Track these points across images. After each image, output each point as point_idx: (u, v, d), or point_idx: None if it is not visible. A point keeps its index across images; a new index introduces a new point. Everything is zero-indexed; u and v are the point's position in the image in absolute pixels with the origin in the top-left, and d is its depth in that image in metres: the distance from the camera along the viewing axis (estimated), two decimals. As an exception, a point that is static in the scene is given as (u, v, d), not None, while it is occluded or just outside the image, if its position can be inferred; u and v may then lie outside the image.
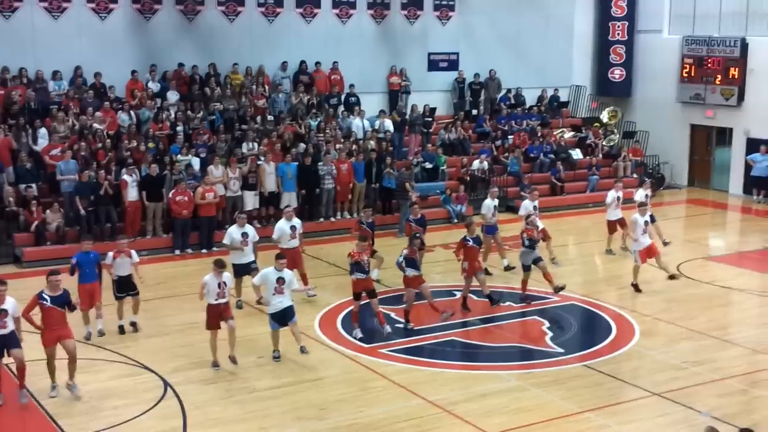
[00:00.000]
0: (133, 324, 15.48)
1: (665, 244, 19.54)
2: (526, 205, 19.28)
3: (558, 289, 17.21)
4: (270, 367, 13.85)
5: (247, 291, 16.38)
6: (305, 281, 16.95)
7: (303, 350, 13.88)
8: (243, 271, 16.49)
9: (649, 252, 17.93)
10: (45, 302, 12.38)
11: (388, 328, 15.25)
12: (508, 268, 19.17)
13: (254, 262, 16.61)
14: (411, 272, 15.54)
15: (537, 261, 17.12)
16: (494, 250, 19.29)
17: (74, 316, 13.46)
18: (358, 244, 15.39)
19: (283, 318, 14.00)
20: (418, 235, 16.76)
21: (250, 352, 14.31)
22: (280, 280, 13.88)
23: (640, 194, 20.90)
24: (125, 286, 15.25)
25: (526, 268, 17.08)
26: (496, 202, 19.49)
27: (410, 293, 15.60)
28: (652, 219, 18.64)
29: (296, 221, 17.29)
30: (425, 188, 24.91)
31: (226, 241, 16.73)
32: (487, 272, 17.96)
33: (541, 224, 18.24)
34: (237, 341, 13.95)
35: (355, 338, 15.03)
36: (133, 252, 15.34)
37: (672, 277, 18.10)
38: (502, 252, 19.41)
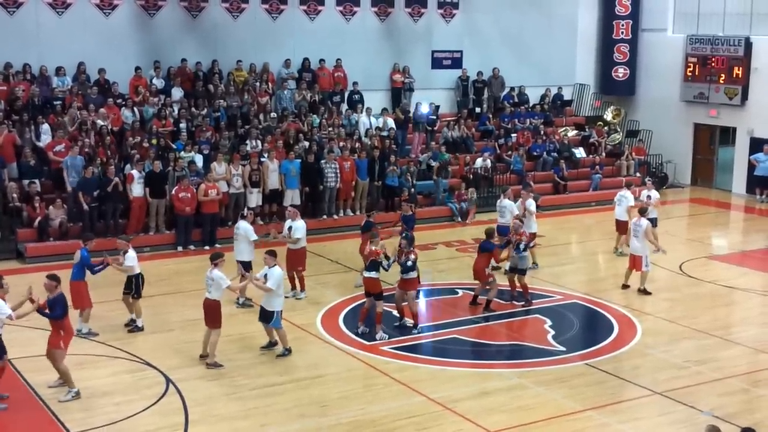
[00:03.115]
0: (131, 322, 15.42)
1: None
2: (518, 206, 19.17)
3: (497, 305, 16.65)
4: (272, 364, 13.85)
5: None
6: (293, 284, 16.92)
7: (281, 352, 13.97)
8: (249, 269, 16.40)
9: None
10: None
11: (363, 328, 15.16)
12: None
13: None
14: (408, 275, 15.36)
15: (524, 270, 16.89)
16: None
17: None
18: (373, 241, 15.32)
19: (260, 314, 14.05)
20: (405, 234, 16.15)
21: (251, 349, 14.32)
22: (265, 276, 13.89)
23: (645, 195, 20.79)
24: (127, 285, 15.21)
25: (522, 272, 16.90)
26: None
27: (400, 294, 15.42)
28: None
29: (295, 222, 16.90)
30: (425, 187, 24.96)
31: (253, 237, 16.40)
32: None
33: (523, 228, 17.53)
34: (237, 338, 13.93)
35: (379, 340, 14.81)
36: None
37: (626, 287, 17.95)
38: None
